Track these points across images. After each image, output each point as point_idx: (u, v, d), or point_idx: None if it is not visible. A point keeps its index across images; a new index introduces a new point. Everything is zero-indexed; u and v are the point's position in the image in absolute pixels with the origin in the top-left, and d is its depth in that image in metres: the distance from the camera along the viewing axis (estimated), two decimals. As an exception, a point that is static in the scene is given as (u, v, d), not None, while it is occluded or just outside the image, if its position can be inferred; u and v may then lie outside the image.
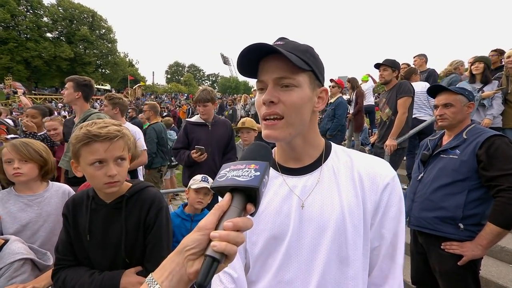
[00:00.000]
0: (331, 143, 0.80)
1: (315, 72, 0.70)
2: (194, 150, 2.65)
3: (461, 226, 1.57)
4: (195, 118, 2.92)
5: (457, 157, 1.62)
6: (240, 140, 3.20)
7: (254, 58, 0.68)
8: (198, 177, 2.10)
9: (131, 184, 1.14)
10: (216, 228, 0.46)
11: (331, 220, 0.68)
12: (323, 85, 0.74)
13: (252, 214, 0.50)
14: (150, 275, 0.46)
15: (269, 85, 0.67)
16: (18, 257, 1.21)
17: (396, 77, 3.34)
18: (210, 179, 2.12)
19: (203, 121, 2.82)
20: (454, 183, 1.60)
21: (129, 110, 6.89)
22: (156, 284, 0.45)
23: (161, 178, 4.45)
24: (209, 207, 2.61)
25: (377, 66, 3.36)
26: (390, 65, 3.27)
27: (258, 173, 0.48)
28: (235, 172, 0.50)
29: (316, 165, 0.74)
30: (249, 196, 0.48)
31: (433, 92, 1.82)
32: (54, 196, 1.53)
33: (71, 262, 1.09)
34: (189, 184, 2.11)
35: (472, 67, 3.67)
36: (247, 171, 0.49)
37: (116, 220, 1.07)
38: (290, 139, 0.71)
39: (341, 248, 0.68)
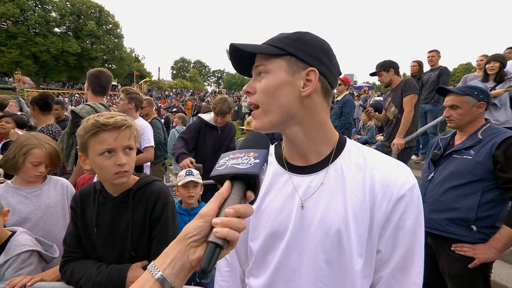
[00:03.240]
0: (347, 138, 0.74)
1: (295, 55, 0.64)
2: (192, 160, 2.62)
3: (474, 228, 1.52)
4: (209, 118, 2.94)
5: (471, 157, 1.57)
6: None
7: (248, 59, 0.69)
8: (182, 172, 2.12)
9: (138, 178, 1.13)
10: (217, 215, 0.46)
11: (332, 226, 0.64)
12: (312, 66, 0.65)
13: (252, 202, 0.50)
14: (151, 262, 0.46)
15: (253, 77, 0.68)
16: (25, 249, 1.22)
17: (396, 73, 3.28)
18: (194, 171, 2.13)
19: (215, 124, 2.90)
20: (468, 184, 1.55)
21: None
22: (158, 271, 0.45)
23: (166, 171, 4.60)
24: (206, 200, 2.65)
25: (373, 74, 3.37)
26: (381, 68, 3.26)
27: (258, 161, 0.49)
28: (235, 160, 0.50)
29: (324, 164, 0.69)
30: (249, 183, 0.49)
31: (442, 92, 1.79)
32: (52, 189, 1.53)
33: (78, 254, 1.10)
34: (176, 182, 2.13)
35: (487, 66, 3.56)
36: (247, 159, 0.49)
37: (123, 213, 1.07)
38: (275, 128, 0.68)
39: (343, 257, 0.64)
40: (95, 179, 1.45)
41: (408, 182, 0.64)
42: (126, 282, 0.98)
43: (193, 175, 2.07)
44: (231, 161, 0.50)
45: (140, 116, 3.24)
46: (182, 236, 0.46)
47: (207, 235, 0.45)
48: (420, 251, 0.65)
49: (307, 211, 0.67)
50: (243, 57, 0.68)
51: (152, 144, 2.94)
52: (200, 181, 2.12)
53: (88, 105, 2.32)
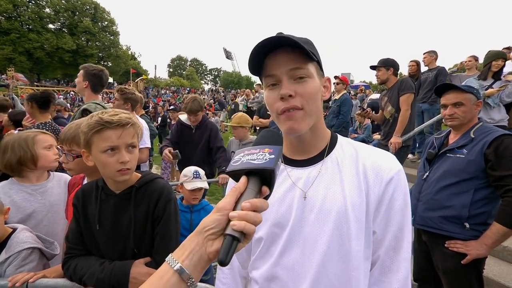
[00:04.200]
0: (337, 135, 0.81)
1: (319, 62, 0.72)
2: (170, 148, 2.94)
3: (467, 225, 1.56)
4: (184, 118, 3.20)
5: (464, 156, 1.61)
6: None
7: (260, 55, 0.68)
8: (189, 172, 2.08)
9: (140, 175, 1.14)
10: (234, 209, 0.47)
11: (332, 211, 0.69)
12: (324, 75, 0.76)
13: (267, 197, 0.52)
14: (170, 255, 0.48)
15: (284, 79, 0.67)
16: (26, 246, 1.22)
17: (394, 74, 3.36)
18: (201, 172, 2.11)
19: (189, 124, 3.15)
20: (460, 183, 1.59)
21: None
22: (177, 262, 0.46)
23: (151, 168, 4.96)
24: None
25: (373, 68, 3.44)
26: (382, 64, 3.33)
27: (273, 156, 0.50)
28: (250, 156, 0.52)
29: (320, 156, 0.75)
30: (264, 179, 0.51)
31: (440, 90, 1.80)
32: (56, 186, 1.53)
33: (81, 251, 1.11)
34: (180, 180, 2.13)
35: (495, 63, 3.62)
36: (262, 154, 0.51)
37: (125, 210, 1.07)
38: (307, 130, 0.72)
39: (343, 239, 0.68)
40: (85, 181, 1.44)
41: (395, 167, 0.72)
42: (130, 278, 0.99)
43: (200, 177, 2.06)
44: (247, 157, 0.52)
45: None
46: (200, 229, 0.48)
47: (224, 228, 0.46)
48: (408, 229, 0.71)
49: (308, 199, 0.72)
50: (260, 57, 0.68)
51: (148, 145, 2.95)
52: (207, 186, 2.12)
53: (97, 103, 2.38)
